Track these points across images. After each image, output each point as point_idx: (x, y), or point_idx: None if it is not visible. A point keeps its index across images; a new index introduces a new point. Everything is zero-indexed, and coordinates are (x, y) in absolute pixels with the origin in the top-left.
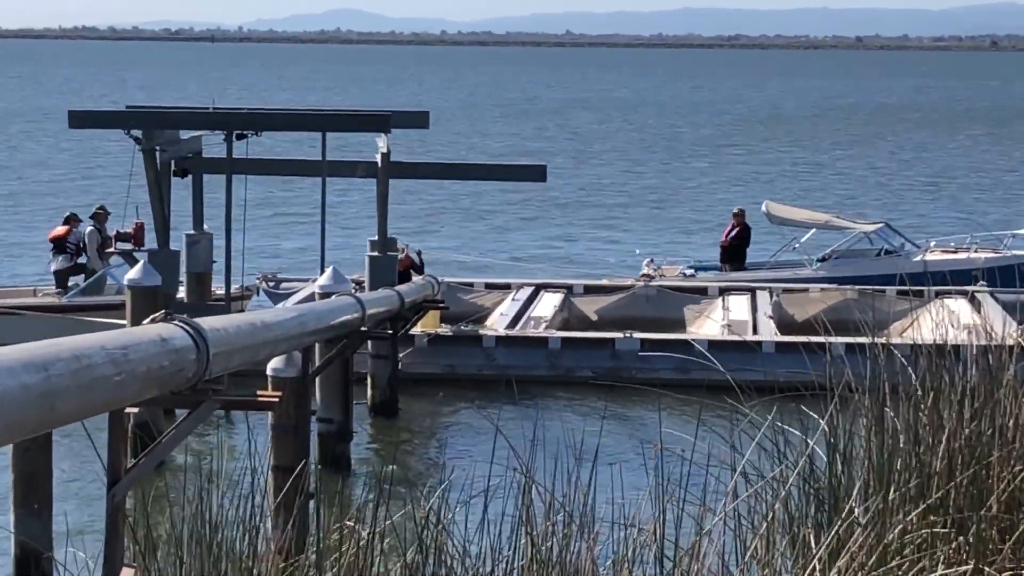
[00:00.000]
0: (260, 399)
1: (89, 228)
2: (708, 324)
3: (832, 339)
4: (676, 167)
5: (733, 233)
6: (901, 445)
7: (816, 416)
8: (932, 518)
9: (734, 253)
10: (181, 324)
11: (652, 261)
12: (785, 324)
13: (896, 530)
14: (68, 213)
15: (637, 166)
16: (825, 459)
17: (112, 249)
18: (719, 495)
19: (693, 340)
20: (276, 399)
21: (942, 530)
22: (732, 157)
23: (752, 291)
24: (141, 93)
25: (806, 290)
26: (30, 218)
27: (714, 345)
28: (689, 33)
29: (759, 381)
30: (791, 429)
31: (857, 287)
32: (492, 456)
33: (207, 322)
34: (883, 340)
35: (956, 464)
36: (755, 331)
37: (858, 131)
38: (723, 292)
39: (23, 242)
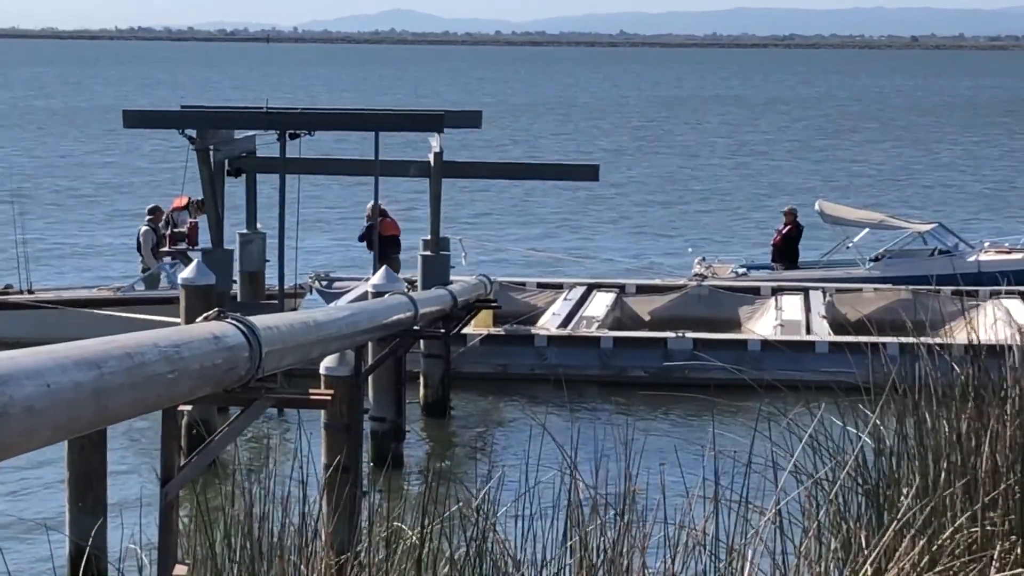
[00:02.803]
0: (312, 397)
1: (144, 227)
2: (761, 324)
3: (886, 339)
4: (732, 165)
5: (785, 232)
6: (951, 445)
7: (867, 416)
8: (984, 520)
9: (786, 252)
10: (234, 322)
11: (704, 260)
12: (838, 324)
13: (948, 531)
14: (152, 205)
15: (694, 163)
16: (875, 459)
17: (166, 248)
18: (771, 495)
19: (746, 340)
20: (328, 397)
21: (991, 528)
22: (789, 155)
23: (805, 291)
24: (197, 93)
25: (860, 290)
26: (85, 218)
27: (767, 345)
28: (743, 33)
29: (812, 381)
30: (845, 429)
31: (911, 287)
32: (542, 456)
33: (260, 320)
34: (937, 340)
35: (1004, 465)
36: (808, 331)
37: (916, 130)
38: (776, 292)
39: (78, 243)
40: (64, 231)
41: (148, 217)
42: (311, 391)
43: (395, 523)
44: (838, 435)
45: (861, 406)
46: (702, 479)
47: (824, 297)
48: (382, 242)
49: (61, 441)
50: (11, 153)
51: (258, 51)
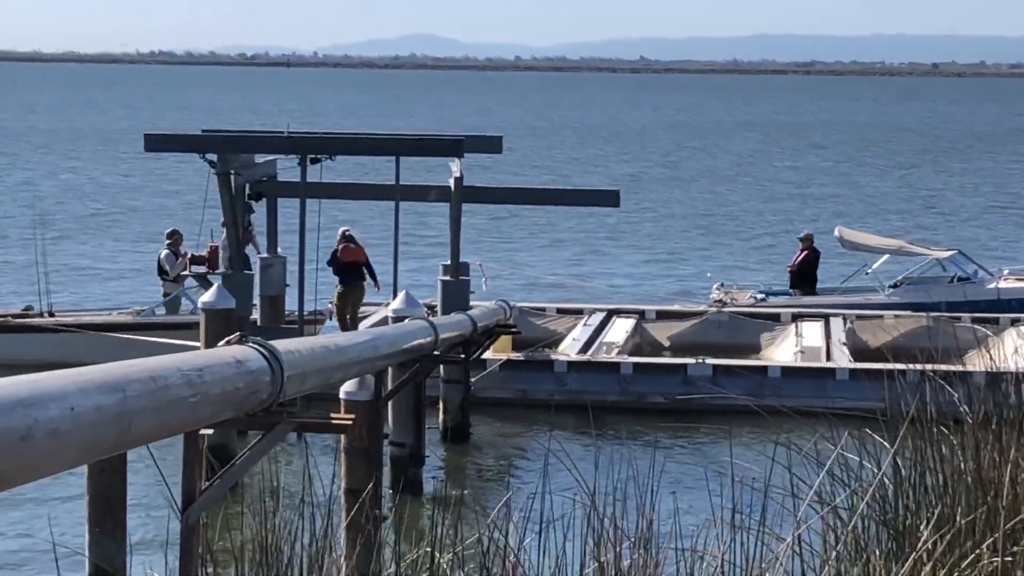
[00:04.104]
0: (333, 422)
1: (164, 252)
2: (781, 350)
3: (905, 366)
4: (750, 191)
5: (802, 257)
6: (970, 474)
7: (887, 443)
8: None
9: (804, 278)
10: (256, 346)
11: (722, 286)
12: (859, 350)
13: (967, 560)
14: (171, 229)
15: (712, 189)
16: (895, 487)
17: (187, 272)
18: (789, 523)
19: (766, 366)
20: (349, 422)
21: (1011, 559)
22: (807, 180)
23: (825, 317)
24: (216, 117)
25: (880, 317)
26: (106, 240)
27: (787, 371)
28: (764, 59)
29: (832, 408)
30: (864, 457)
31: (932, 314)
32: (561, 482)
33: (282, 344)
34: (957, 368)
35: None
36: (828, 358)
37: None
38: (796, 318)
39: (99, 265)
40: (85, 253)
41: (167, 241)
42: (332, 415)
43: (414, 548)
44: (857, 463)
45: (880, 434)
46: (721, 506)
47: (844, 324)
48: (343, 268)
49: (84, 464)
50: (33, 175)
51: (279, 75)
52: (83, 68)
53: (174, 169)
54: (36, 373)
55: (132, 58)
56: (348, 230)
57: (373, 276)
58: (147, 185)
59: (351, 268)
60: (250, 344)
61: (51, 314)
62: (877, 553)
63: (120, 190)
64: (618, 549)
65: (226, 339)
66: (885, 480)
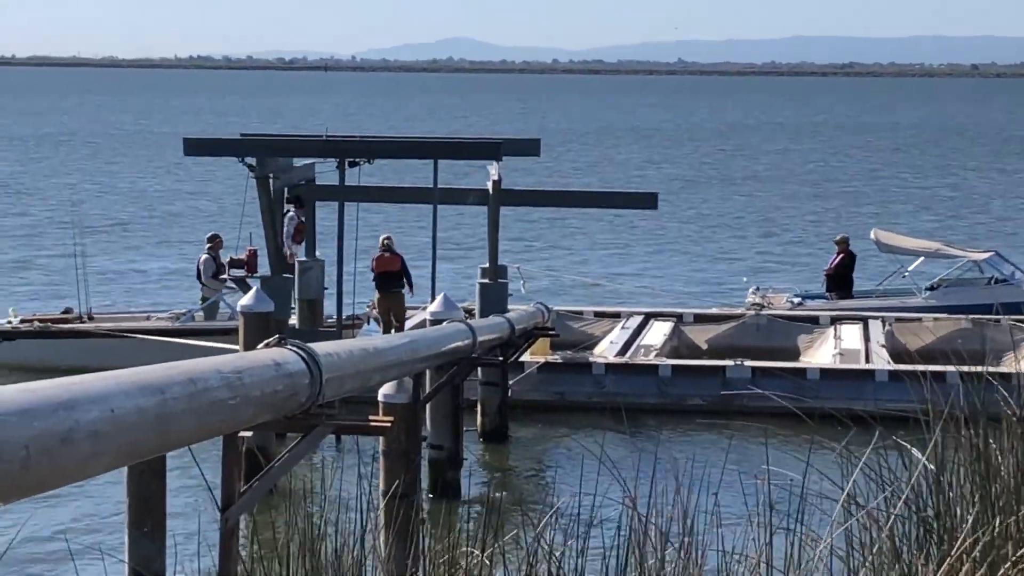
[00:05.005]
0: (372, 424)
1: (204, 256)
2: (819, 353)
3: (946, 368)
4: (786, 193)
5: (837, 260)
6: (1010, 475)
7: (925, 445)
8: None
9: (840, 281)
10: (295, 349)
11: (758, 289)
12: (897, 353)
13: (1008, 563)
14: (211, 233)
15: (749, 190)
16: (934, 488)
17: (226, 276)
18: (827, 524)
19: (805, 368)
20: (387, 424)
21: None
22: (843, 183)
23: (864, 320)
24: (255, 121)
25: (919, 319)
26: (146, 244)
27: (826, 374)
28: (802, 61)
29: (872, 410)
30: (901, 458)
31: (971, 316)
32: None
33: (320, 347)
34: (998, 369)
35: None
36: (867, 360)
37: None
38: (835, 321)
39: (138, 269)
40: (125, 257)
41: (208, 245)
42: (370, 418)
43: (452, 550)
44: (896, 464)
45: (919, 436)
46: (758, 508)
47: (883, 326)
48: (377, 277)
49: (124, 466)
50: (73, 180)
51: (317, 80)
52: (122, 72)
53: (213, 173)
54: (79, 375)
55: (171, 63)
56: (388, 238)
57: (409, 283)
58: (186, 189)
59: (384, 277)
60: (289, 347)
61: (90, 317)
62: (915, 554)
63: (159, 194)
64: (659, 552)
65: (265, 342)
66: (924, 481)
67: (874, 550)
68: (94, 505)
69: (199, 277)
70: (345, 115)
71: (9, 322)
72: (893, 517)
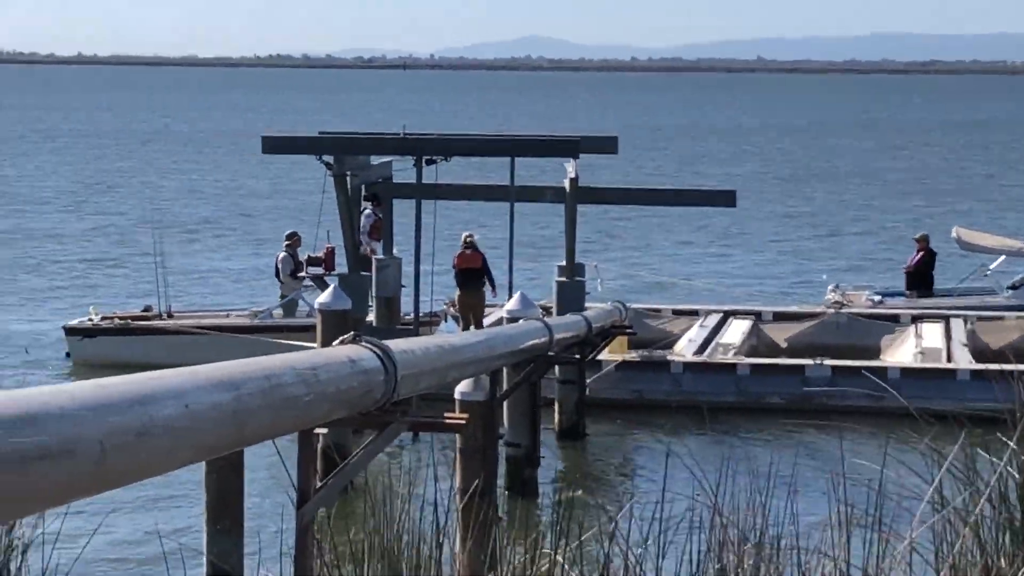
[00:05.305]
0: (447, 421)
1: (282, 253)
2: (901, 352)
3: None
4: (865, 191)
5: (917, 259)
6: None
7: (1011, 444)
8: None
9: (920, 279)
10: (370, 346)
11: (837, 287)
12: (979, 352)
13: None
14: (290, 231)
15: (827, 189)
16: (1018, 490)
17: (303, 274)
18: (908, 524)
19: (886, 367)
20: (462, 421)
21: None
22: (922, 181)
23: (946, 319)
24: (333, 119)
25: (1001, 318)
26: (225, 242)
27: (907, 373)
28: (883, 59)
29: (953, 409)
30: (985, 456)
31: None
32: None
33: (395, 344)
34: None
35: None
36: (949, 359)
37: None
38: (915, 320)
39: (218, 266)
40: (204, 255)
41: (286, 243)
42: (445, 415)
43: (529, 549)
44: (978, 464)
45: (1002, 435)
46: (838, 507)
47: (965, 325)
48: (458, 274)
49: (200, 461)
50: (154, 178)
51: (395, 78)
52: (203, 71)
53: (292, 172)
54: (155, 370)
55: (251, 61)
56: (471, 236)
57: (491, 282)
58: (265, 187)
59: (466, 274)
60: (364, 343)
61: (170, 315)
62: (998, 556)
63: (238, 192)
64: (739, 551)
65: (340, 338)
66: (1010, 482)
67: (955, 550)
68: (176, 501)
69: (277, 275)
70: (423, 113)
71: (90, 319)
72: (976, 517)
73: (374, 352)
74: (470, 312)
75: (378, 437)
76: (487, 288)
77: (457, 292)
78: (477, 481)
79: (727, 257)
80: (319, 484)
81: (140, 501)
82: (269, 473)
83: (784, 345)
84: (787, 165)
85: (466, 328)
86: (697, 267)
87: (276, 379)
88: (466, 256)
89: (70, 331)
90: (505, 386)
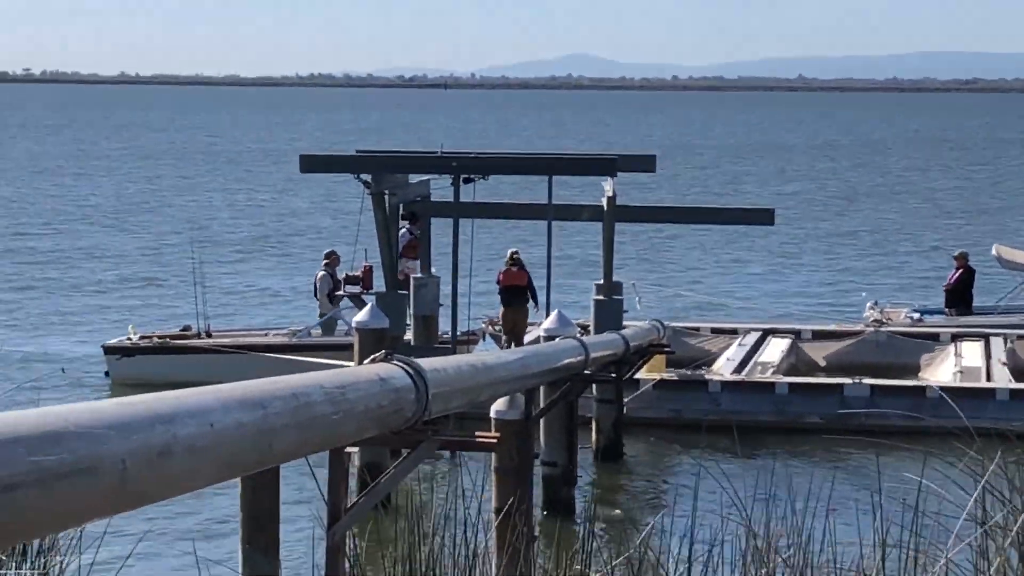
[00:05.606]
0: (479, 440)
1: (320, 272)
2: (941, 371)
3: None
4: (905, 209)
5: (956, 276)
6: None
7: None
8: None
9: (959, 297)
10: (401, 364)
11: (876, 305)
12: (1019, 371)
13: None
14: (328, 250)
15: (866, 207)
16: None
17: (341, 292)
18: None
19: (924, 387)
20: (494, 440)
21: None
22: (963, 198)
23: (986, 337)
24: (375, 138)
25: None
26: (264, 261)
27: (946, 392)
28: (925, 77)
29: (993, 429)
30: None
31: None
32: (715, 504)
33: (427, 362)
34: None
35: None
36: (989, 378)
37: None
38: (955, 338)
39: (256, 286)
40: (244, 274)
41: (324, 262)
42: (477, 434)
43: (565, 569)
44: (1020, 482)
45: None
46: (878, 526)
47: (1005, 343)
48: (503, 291)
49: (226, 480)
50: (195, 197)
51: (437, 97)
52: (244, 91)
53: (332, 190)
54: (180, 389)
55: (292, 81)
56: (516, 253)
57: (534, 299)
58: (304, 206)
59: (511, 291)
60: (395, 362)
61: (208, 335)
62: None
63: (278, 211)
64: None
65: (371, 356)
66: None
67: (994, 568)
68: (211, 519)
69: (315, 294)
70: (463, 132)
71: (129, 339)
72: (1015, 535)
73: (405, 370)
74: (514, 328)
75: (409, 456)
76: (531, 305)
77: (502, 309)
78: (512, 500)
79: (765, 276)
80: (350, 503)
81: (175, 517)
82: (301, 492)
83: (823, 364)
84: (828, 182)
85: (509, 345)
86: (736, 285)
87: (304, 397)
88: (512, 273)
89: (109, 350)
90: (541, 405)
